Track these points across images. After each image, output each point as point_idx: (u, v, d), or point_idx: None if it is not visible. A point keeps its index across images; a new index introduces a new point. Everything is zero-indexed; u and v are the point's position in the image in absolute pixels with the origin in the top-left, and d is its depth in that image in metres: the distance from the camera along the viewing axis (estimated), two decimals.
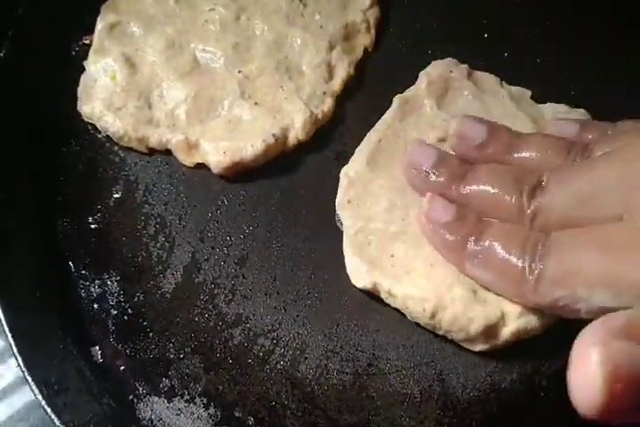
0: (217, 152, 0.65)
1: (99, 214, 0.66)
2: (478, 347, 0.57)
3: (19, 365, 0.57)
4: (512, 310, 0.56)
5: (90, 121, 0.69)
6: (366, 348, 0.59)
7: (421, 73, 0.69)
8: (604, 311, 0.45)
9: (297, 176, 0.66)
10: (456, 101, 0.67)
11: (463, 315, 0.56)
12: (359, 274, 0.59)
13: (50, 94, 0.70)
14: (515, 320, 0.56)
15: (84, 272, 0.64)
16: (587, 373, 0.39)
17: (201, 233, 0.65)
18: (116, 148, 0.69)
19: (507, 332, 0.56)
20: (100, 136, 0.69)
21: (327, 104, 0.69)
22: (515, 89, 0.68)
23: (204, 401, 0.59)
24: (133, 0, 0.73)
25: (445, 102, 0.67)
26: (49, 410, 0.55)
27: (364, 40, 0.73)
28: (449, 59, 0.69)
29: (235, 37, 0.71)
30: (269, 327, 0.61)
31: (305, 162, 0.67)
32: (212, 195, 0.66)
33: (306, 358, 0.60)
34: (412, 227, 0.60)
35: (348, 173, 0.63)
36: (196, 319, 0.61)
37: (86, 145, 0.69)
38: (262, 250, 0.64)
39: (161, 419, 0.58)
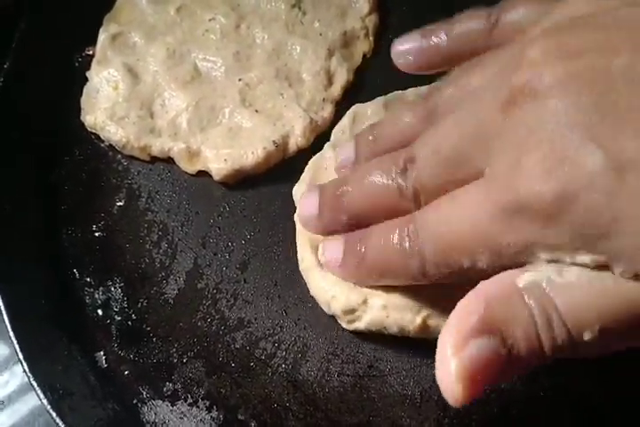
0: (218, 159, 0.66)
1: (102, 222, 0.67)
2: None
3: (24, 370, 0.58)
4: None
5: (93, 131, 0.70)
6: (367, 350, 0.60)
7: None
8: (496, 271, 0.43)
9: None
10: None
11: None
12: None
13: (53, 105, 0.71)
14: None
15: (88, 279, 0.65)
16: (448, 378, 0.40)
17: (203, 239, 0.66)
18: (118, 156, 0.70)
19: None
20: (102, 145, 0.70)
21: (327, 110, 0.69)
22: None
23: (207, 404, 0.59)
24: (135, 11, 0.74)
25: None
26: (54, 415, 0.56)
27: (363, 47, 0.74)
28: None
29: (235, 46, 0.72)
30: (271, 331, 0.61)
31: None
32: (214, 201, 0.67)
33: (307, 360, 0.60)
34: None
35: None
36: (199, 324, 0.62)
37: (89, 154, 0.70)
38: (263, 255, 0.64)
39: (165, 422, 0.59)
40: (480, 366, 0.39)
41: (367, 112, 0.66)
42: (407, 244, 0.48)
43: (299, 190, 0.64)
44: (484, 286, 0.43)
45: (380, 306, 0.57)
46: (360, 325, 0.58)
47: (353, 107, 0.67)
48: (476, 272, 0.45)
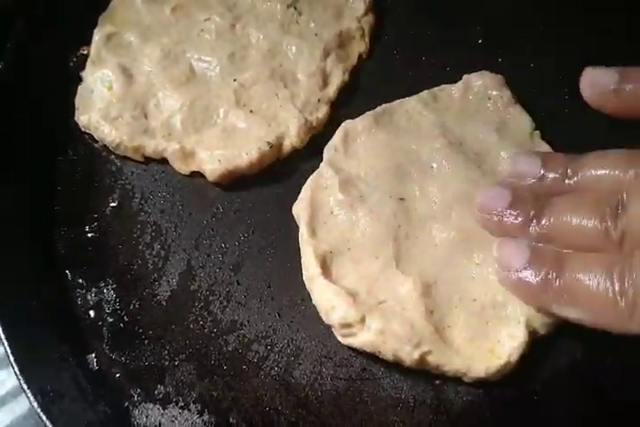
0: (212, 160, 0.66)
1: (95, 223, 0.67)
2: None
3: (15, 373, 0.57)
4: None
5: (87, 131, 0.70)
6: (360, 353, 0.59)
7: (465, 76, 0.69)
8: None
9: (292, 183, 0.66)
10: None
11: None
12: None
13: (47, 105, 0.71)
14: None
15: (80, 280, 0.64)
16: None
17: (196, 241, 0.65)
18: (112, 157, 0.69)
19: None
20: (96, 146, 0.70)
21: (322, 111, 0.69)
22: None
23: (199, 408, 0.59)
24: (130, 11, 0.74)
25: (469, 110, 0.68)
26: (44, 418, 0.55)
27: (359, 47, 0.74)
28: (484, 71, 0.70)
29: (230, 46, 0.71)
30: (264, 333, 0.61)
31: (300, 169, 0.67)
32: (208, 202, 0.67)
33: (300, 363, 0.60)
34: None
35: None
36: (191, 326, 0.62)
37: (83, 154, 0.70)
38: (257, 257, 0.64)
39: (156, 426, 0.58)
40: None
41: (358, 128, 0.66)
42: (617, 283, 0.49)
43: (299, 208, 0.63)
44: None
45: (377, 330, 0.56)
46: (354, 342, 0.58)
47: (343, 124, 0.67)
48: None
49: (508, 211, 0.57)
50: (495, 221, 0.58)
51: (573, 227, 0.54)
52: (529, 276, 0.54)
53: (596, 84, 0.61)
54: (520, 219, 0.56)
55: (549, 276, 0.53)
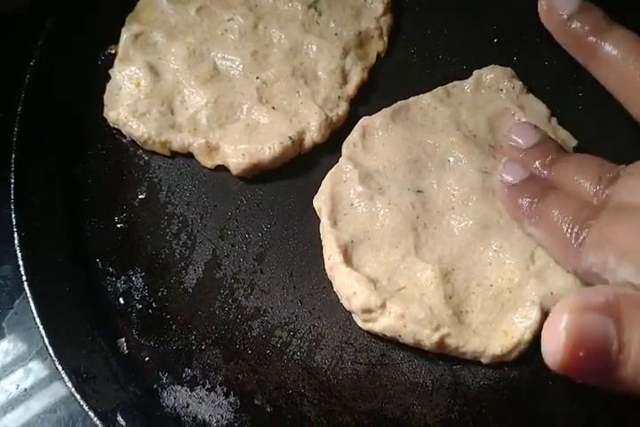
0: (236, 154, 0.68)
1: (124, 214, 0.69)
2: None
3: (50, 355, 0.60)
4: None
5: (115, 126, 0.72)
6: (379, 339, 0.61)
7: (475, 71, 0.71)
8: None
9: (312, 177, 0.68)
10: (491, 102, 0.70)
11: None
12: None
13: (77, 101, 0.73)
14: None
15: (110, 269, 0.67)
16: (554, 334, 0.42)
17: (221, 231, 0.67)
18: (140, 151, 0.72)
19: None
20: (124, 141, 0.72)
21: (342, 108, 0.71)
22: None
23: (225, 390, 0.61)
24: (156, 11, 0.76)
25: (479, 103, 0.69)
26: (78, 397, 0.58)
27: (377, 46, 0.76)
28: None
29: (253, 45, 0.73)
30: (286, 320, 0.63)
31: (320, 163, 0.69)
32: (232, 195, 0.69)
33: (321, 348, 0.62)
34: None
35: None
36: (217, 312, 0.64)
37: (112, 149, 0.72)
38: (279, 247, 0.66)
39: (183, 407, 0.61)
40: (584, 340, 0.41)
41: (375, 124, 0.68)
42: (578, 224, 0.54)
43: (319, 201, 0.66)
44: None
45: (397, 314, 0.58)
46: (375, 327, 0.60)
47: (361, 120, 0.69)
48: (603, 280, 0.52)
49: (530, 148, 0.63)
50: (519, 152, 0.63)
51: (574, 180, 0.59)
52: (519, 191, 0.60)
53: (552, 6, 0.61)
54: (536, 161, 0.62)
55: (533, 198, 0.58)
